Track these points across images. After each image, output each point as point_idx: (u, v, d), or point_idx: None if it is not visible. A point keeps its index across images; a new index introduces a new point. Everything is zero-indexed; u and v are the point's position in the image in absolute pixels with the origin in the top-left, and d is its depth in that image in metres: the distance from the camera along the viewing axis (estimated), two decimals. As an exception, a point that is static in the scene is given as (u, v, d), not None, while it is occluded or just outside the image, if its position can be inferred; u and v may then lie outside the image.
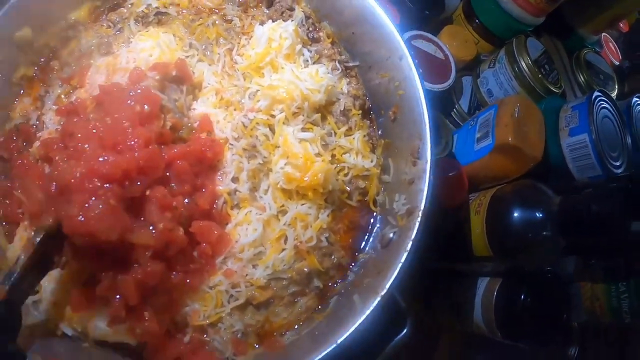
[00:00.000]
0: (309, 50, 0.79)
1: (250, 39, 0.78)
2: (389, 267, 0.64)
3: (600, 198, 0.79)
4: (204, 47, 0.79)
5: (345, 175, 0.74)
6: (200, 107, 0.74)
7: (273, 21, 0.78)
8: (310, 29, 0.82)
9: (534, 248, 0.82)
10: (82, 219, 0.56)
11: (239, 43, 0.79)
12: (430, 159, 0.67)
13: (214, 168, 0.71)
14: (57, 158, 0.63)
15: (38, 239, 0.60)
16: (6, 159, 0.76)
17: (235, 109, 0.74)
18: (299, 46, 0.77)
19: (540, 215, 0.81)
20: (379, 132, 0.80)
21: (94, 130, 0.63)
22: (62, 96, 0.77)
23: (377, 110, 0.80)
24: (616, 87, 1.13)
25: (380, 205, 0.75)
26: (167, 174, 0.67)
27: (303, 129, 0.72)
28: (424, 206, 0.65)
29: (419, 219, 0.64)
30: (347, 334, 0.60)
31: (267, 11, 0.82)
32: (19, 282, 0.58)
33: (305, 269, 0.70)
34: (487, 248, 0.85)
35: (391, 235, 0.69)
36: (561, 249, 0.85)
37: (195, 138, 0.70)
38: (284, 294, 0.70)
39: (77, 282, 0.67)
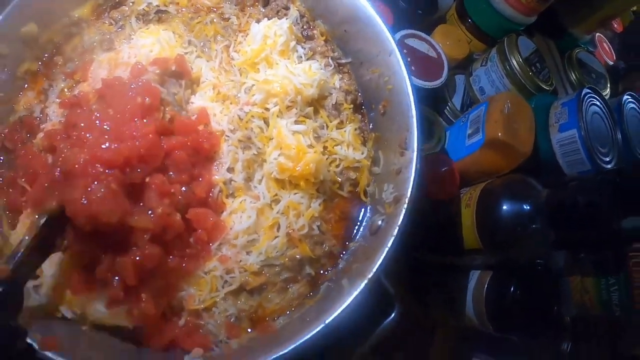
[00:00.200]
0: (303, 48, 0.86)
1: (246, 36, 0.85)
2: (376, 252, 0.70)
3: (586, 191, 0.85)
4: (202, 43, 0.86)
5: (337, 166, 0.81)
6: (198, 101, 0.81)
7: (269, 19, 0.85)
8: (305, 27, 0.89)
9: (523, 241, 0.88)
10: (85, 202, 0.63)
11: (235, 40, 0.86)
12: (417, 149, 0.74)
13: (211, 158, 0.78)
14: (61, 146, 0.70)
15: (42, 222, 0.67)
16: (10, 150, 0.83)
17: (231, 103, 0.81)
18: (293, 43, 0.84)
19: (529, 208, 0.87)
20: (370, 126, 0.86)
21: (97, 121, 0.70)
22: (66, 90, 0.84)
23: (368, 104, 0.87)
24: (608, 85, 1.19)
25: (371, 195, 0.82)
26: (166, 163, 0.73)
27: (296, 122, 0.79)
28: (411, 193, 0.71)
29: (405, 205, 0.71)
30: (335, 314, 0.66)
31: (263, 10, 0.89)
32: (22, 262, 0.64)
33: (297, 256, 0.76)
34: (477, 241, 0.91)
35: (379, 222, 0.76)
36: (551, 242, 0.91)
37: (192, 130, 0.77)
38: (277, 280, 0.76)
39: (77, 265, 0.73)
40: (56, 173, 0.68)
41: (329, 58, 0.86)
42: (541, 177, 0.94)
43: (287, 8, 0.89)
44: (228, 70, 0.84)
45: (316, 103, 0.82)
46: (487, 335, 1.01)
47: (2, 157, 0.83)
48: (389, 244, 0.69)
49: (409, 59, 1.02)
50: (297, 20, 0.88)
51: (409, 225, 0.71)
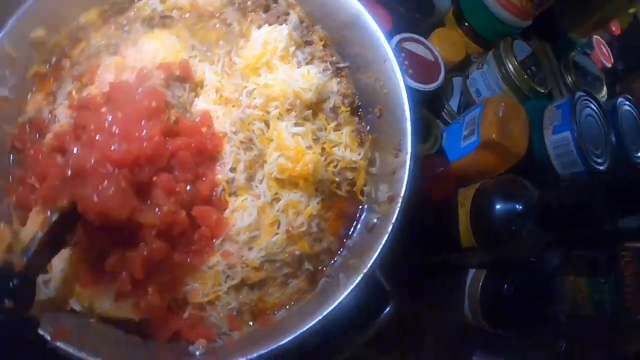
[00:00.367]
0: (302, 52, 0.93)
1: (247, 41, 0.92)
2: (371, 248, 0.77)
3: (576, 191, 0.92)
4: (205, 48, 0.93)
5: (335, 167, 0.87)
6: (202, 104, 0.88)
7: (269, 25, 0.92)
8: (304, 32, 0.96)
9: (516, 240, 0.95)
10: (96, 199, 0.70)
11: (237, 45, 0.93)
12: (411, 151, 0.81)
13: (214, 159, 0.85)
14: (72, 147, 0.77)
15: (54, 218, 0.74)
16: (20, 150, 0.89)
17: (233, 106, 0.88)
18: (293, 48, 0.91)
19: (521, 207, 0.94)
20: (367, 128, 0.93)
21: (106, 123, 0.78)
22: (73, 92, 0.91)
23: (365, 108, 0.94)
24: (604, 88, 1.26)
25: (367, 195, 0.89)
26: (171, 163, 0.81)
27: (296, 124, 0.86)
28: (404, 193, 0.78)
29: (399, 204, 0.78)
30: (332, 307, 0.73)
31: (264, 15, 0.96)
32: (35, 256, 0.70)
33: (297, 252, 0.83)
34: (472, 240, 0.99)
35: (375, 220, 0.83)
36: (544, 241, 0.98)
37: (196, 131, 0.84)
38: (277, 275, 0.83)
39: (86, 260, 0.80)
40: (68, 172, 0.75)
41: (328, 62, 0.93)
42: (535, 178, 1.01)
43: (287, 14, 0.96)
44: (230, 74, 0.91)
45: (315, 106, 0.89)
46: (482, 333, 1.08)
47: (12, 157, 0.90)
48: (383, 241, 0.76)
49: (406, 62, 1.10)
50: (296, 25, 0.95)
51: (404, 223, 0.78)
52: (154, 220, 0.74)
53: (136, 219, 0.73)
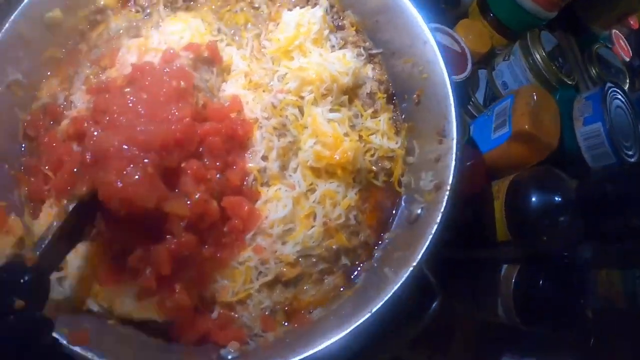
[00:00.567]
0: (335, 37, 0.83)
1: (277, 25, 0.82)
2: (419, 240, 0.67)
3: (616, 181, 0.83)
4: (232, 32, 0.83)
5: (372, 155, 0.77)
6: (230, 89, 0.78)
7: (300, 8, 0.82)
8: (335, 17, 0.86)
9: (553, 232, 0.86)
10: (120, 185, 0.59)
11: (266, 29, 0.83)
12: (457, 137, 0.71)
13: (244, 146, 0.74)
14: (91, 130, 0.65)
15: (71, 207, 0.62)
16: (33, 138, 0.78)
17: (264, 91, 0.78)
18: (326, 32, 0.81)
19: (558, 199, 0.85)
20: (402, 117, 0.83)
21: (130, 104, 0.66)
22: (91, 76, 0.80)
23: (400, 95, 0.84)
24: (627, 80, 1.19)
25: (405, 185, 0.79)
26: (200, 149, 0.70)
27: (331, 110, 0.76)
28: (452, 181, 0.69)
29: (447, 192, 0.68)
30: (381, 303, 0.62)
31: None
32: (50, 249, 0.59)
33: (334, 247, 0.72)
34: (506, 233, 0.89)
35: (418, 211, 0.73)
36: (579, 234, 0.89)
37: (226, 116, 0.73)
38: (313, 271, 0.72)
39: (105, 256, 0.68)
40: (87, 157, 0.63)
41: (361, 48, 0.84)
42: (566, 171, 0.92)
43: (317, -2, 0.86)
44: (259, 58, 0.81)
45: (350, 92, 0.79)
46: (512, 332, 0.98)
47: (24, 145, 0.78)
48: (433, 231, 0.66)
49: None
50: (327, 10, 0.85)
51: (451, 212, 0.68)
52: (183, 211, 0.63)
53: (164, 209, 0.62)
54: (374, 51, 0.85)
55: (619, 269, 0.95)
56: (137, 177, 0.59)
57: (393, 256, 0.70)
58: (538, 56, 1.02)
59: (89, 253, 0.69)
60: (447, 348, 1.05)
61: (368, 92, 0.79)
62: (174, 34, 0.78)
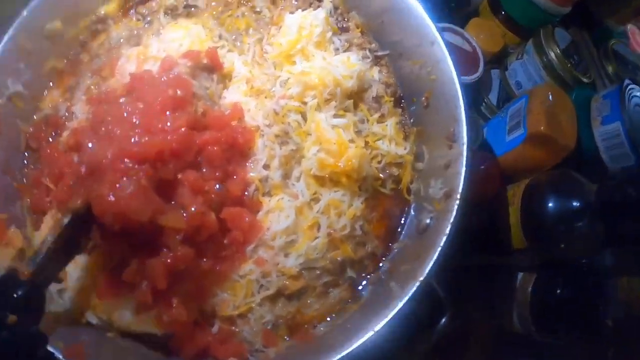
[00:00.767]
0: (339, 39, 0.77)
1: (279, 29, 0.77)
2: (427, 252, 0.61)
3: (638, 180, 0.76)
4: (233, 37, 0.78)
5: (379, 162, 0.71)
6: (231, 96, 0.73)
7: (303, 11, 0.77)
8: (339, 19, 0.81)
9: (572, 238, 0.78)
10: (113, 199, 0.54)
11: (268, 33, 0.78)
12: (467, 142, 0.65)
13: (245, 155, 0.69)
14: (86, 141, 0.61)
15: (66, 221, 0.58)
16: (35, 149, 0.75)
17: (266, 97, 0.73)
18: (329, 34, 0.75)
19: (576, 203, 0.78)
20: (411, 120, 0.77)
21: (125, 114, 0.62)
22: (92, 87, 0.76)
23: (408, 98, 0.78)
24: (646, 77, 1.10)
25: (415, 193, 0.72)
26: (199, 159, 0.65)
27: (335, 115, 0.70)
28: (462, 189, 0.62)
29: (457, 201, 0.61)
30: (385, 321, 0.57)
31: (296, 2, 0.81)
32: (44, 264, 0.55)
33: (339, 259, 0.67)
34: (522, 240, 0.82)
35: (428, 221, 0.66)
36: (598, 239, 0.81)
37: (226, 124, 0.68)
38: (317, 284, 0.67)
39: (104, 268, 0.64)
40: (82, 169, 0.59)
41: (367, 50, 0.77)
42: (583, 173, 0.84)
43: (320, 0, 0.80)
44: (261, 63, 0.75)
45: (355, 96, 0.73)
46: (527, 344, 0.91)
47: (26, 157, 0.75)
48: (442, 243, 0.60)
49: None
50: (331, 12, 0.79)
51: (461, 222, 0.62)
52: (179, 224, 0.58)
53: (159, 222, 0.57)
54: (380, 53, 0.79)
55: (640, 275, 0.87)
56: (130, 190, 0.55)
57: (400, 269, 0.64)
58: (552, 54, 0.94)
59: (88, 265, 0.65)
60: (463, 354, 0.99)
61: (374, 95, 0.73)
62: (173, 42, 0.74)
